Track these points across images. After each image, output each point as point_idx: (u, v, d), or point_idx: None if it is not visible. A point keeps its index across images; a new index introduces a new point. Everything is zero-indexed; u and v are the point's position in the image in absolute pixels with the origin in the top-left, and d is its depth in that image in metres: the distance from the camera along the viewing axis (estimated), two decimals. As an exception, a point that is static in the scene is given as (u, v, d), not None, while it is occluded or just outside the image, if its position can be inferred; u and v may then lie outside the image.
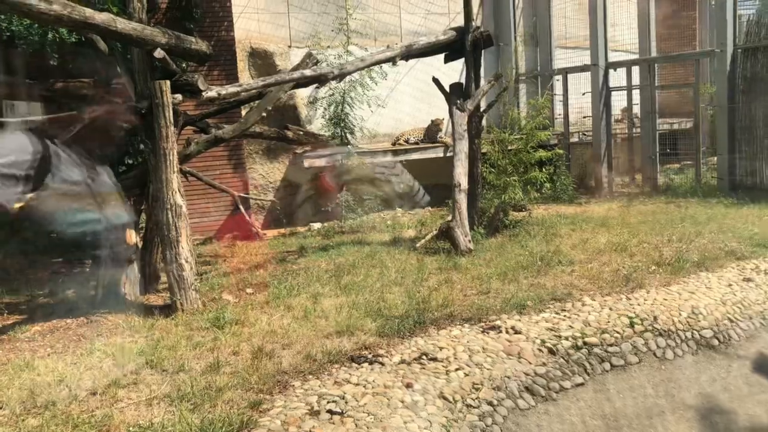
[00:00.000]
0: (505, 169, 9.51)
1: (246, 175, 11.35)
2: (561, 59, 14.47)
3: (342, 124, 10.97)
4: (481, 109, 9.38)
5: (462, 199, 8.38)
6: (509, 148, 9.73)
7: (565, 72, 13.87)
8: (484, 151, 9.79)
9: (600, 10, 12.97)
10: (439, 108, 13.29)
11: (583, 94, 13.61)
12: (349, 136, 11.11)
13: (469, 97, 9.00)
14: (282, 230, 11.17)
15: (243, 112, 10.80)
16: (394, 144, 12.45)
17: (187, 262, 6.47)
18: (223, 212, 10.92)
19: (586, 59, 13.40)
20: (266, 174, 11.91)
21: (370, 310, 6.18)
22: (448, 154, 11.86)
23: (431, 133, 12.48)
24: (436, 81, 9.21)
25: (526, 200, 9.53)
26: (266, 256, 9.04)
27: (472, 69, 9.06)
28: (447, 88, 9.22)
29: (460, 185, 8.41)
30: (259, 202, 11.52)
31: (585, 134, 13.94)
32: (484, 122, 9.77)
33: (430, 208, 12.51)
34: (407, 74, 13.33)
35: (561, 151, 10.38)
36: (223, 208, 10.89)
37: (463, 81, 9.35)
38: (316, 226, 11.16)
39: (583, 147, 14.04)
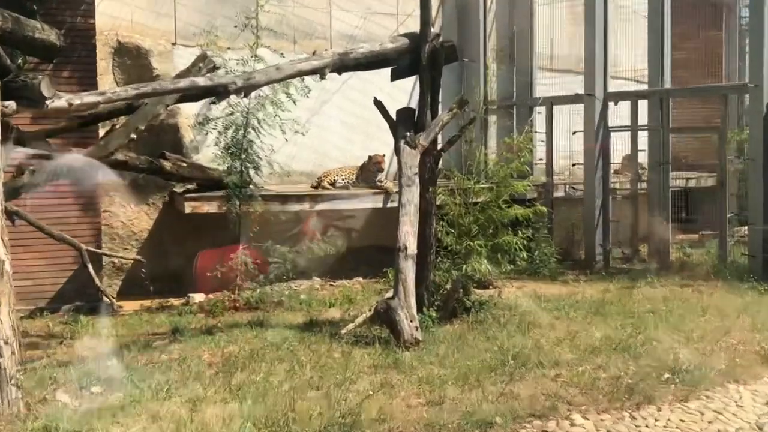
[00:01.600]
0: (467, 230, 9.59)
1: (99, 221, 11.14)
2: (545, 85, 14.98)
3: (243, 156, 10.90)
4: (439, 147, 9.48)
5: (408, 269, 8.37)
6: (474, 200, 9.83)
7: (550, 102, 14.33)
8: (440, 203, 9.85)
9: (599, 22, 13.54)
10: (379, 140, 13.33)
11: (574, 133, 14.09)
12: (251, 172, 11.05)
13: (422, 129, 9.09)
14: (148, 302, 10.89)
15: (102, 132, 10.65)
16: (315, 186, 12.49)
17: (6, 344, 6.20)
18: (64, 272, 10.69)
19: (579, 87, 13.90)
20: (129, 220, 11.69)
21: (274, 425, 6.02)
22: (391, 205, 12.03)
23: (368, 175, 12.58)
24: (378, 104, 9.29)
25: (495, 274, 9.57)
26: (123, 339, 8.78)
27: (429, 91, 9.18)
28: (393, 115, 9.29)
29: (406, 249, 8.40)
30: (116, 260, 11.25)
31: (574, 188, 14.35)
32: (441, 164, 9.84)
33: (361, 279, 12.53)
34: (338, 92, 13.49)
35: (543, 209, 10.57)
36: (63, 267, 10.64)
37: (415, 106, 9.43)
38: (198, 298, 10.94)
39: (571, 204, 14.45)
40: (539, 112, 14.59)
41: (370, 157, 12.61)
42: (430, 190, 9.17)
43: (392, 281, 8.81)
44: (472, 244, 9.45)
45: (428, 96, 9.18)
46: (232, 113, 10.88)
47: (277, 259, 11.18)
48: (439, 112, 9.43)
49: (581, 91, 13.73)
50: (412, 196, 8.71)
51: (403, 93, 13.60)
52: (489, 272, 9.56)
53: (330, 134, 13.50)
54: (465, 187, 9.86)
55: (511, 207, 9.71)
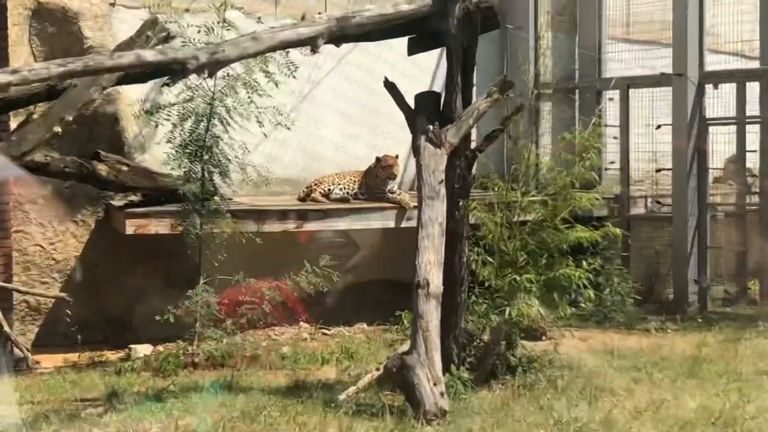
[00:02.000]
0: (512, 260, 9.55)
1: (9, 245, 11.10)
2: (619, 62, 14.96)
3: (206, 157, 10.88)
4: (473, 145, 9.39)
5: (431, 313, 8.29)
6: (521, 219, 9.79)
7: (626, 85, 14.33)
8: (474, 222, 9.83)
9: (692, -22, 13.53)
10: (391, 137, 13.33)
11: (658, 127, 14.06)
12: (217, 179, 11.04)
13: (451, 121, 9.05)
14: (74, 356, 10.86)
15: (14, 123, 10.62)
16: (303, 198, 12.49)
17: None
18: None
19: (665, 65, 13.88)
20: (50, 244, 11.70)
21: None
22: (407, 224, 12.03)
23: (375, 183, 12.59)
24: (390, 87, 9.25)
25: (549, 320, 9.49)
26: (39, 407, 8.69)
27: (459, 69, 9.15)
28: (410, 102, 9.24)
29: (428, 285, 8.33)
30: (32, 298, 11.20)
31: (659, 201, 14.29)
32: (476, 169, 9.77)
33: (365, 326, 12.51)
34: (335, 71, 13.48)
35: (616, 231, 10.50)
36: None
37: (441, 90, 9.40)
38: (143, 350, 10.88)
39: (655, 225, 14.42)
40: (610, 98, 14.56)
41: (378, 159, 12.61)
42: (461, 204, 9.11)
43: (408, 329, 8.75)
44: (518, 278, 9.32)
45: (459, 76, 9.13)
46: (191, 99, 10.85)
47: (251, 298, 11.10)
48: (474, 97, 9.37)
49: (668, 69, 13.67)
50: (436, 212, 8.64)
51: (424, 72, 13.60)
52: (542, 318, 9.48)
53: (324, 128, 13.52)
54: (509, 201, 9.76)
55: (572, 228, 9.60)
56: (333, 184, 12.58)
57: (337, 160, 13.37)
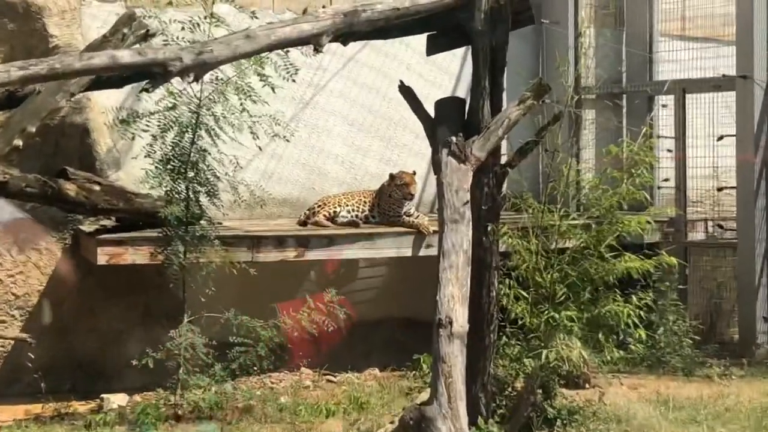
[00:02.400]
0: (549, 294, 9.55)
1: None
2: (673, 62, 14.94)
3: (191, 175, 10.87)
4: (504, 160, 9.41)
5: (455, 356, 8.22)
6: (560, 246, 9.78)
7: (682, 89, 14.27)
8: (505, 249, 9.84)
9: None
10: (408, 150, 13.34)
11: (720, 138, 13.99)
12: (204, 200, 11.02)
13: (477, 132, 9.07)
14: (38, 407, 10.85)
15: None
16: (305, 222, 12.50)
17: None
18: None
19: (728, 65, 13.89)
20: (9, 276, 11.70)
21: None
22: (426, 252, 12.00)
23: (389, 204, 12.57)
24: (406, 91, 9.29)
25: (594, 364, 9.49)
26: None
27: (487, 72, 9.18)
28: (430, 110, 9.27)
29: (451, 324, 8.26)
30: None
31: (721, 226, 14.27)
32: (506, 187, 9.75)
33: (377, 372, 12.49)
34: (341, 74, 13.51)
35: (672, 260, 10.46)
36: None
37: (465, 95, 9.44)
38: (116, 400, 10.88)
39: (718, 253, 14.32)
40: (664, 105, 14.54)
41: (392, 177, 12.59)
42: (489, 228, 9.13)
43: (428, 375, 8.70)
44: (556, 315, 9.31)
45: (487, 79, 9.16)
46: (173, 107, 10.84)
47: (243, 339, 11.08)
48: (505, 104, 9.39)
49: (731, 71, 13.66)
50: (461, 238, 8.61)
51: (447, 75, 13.65)
52: (584, 362, 9.43)
53: (329, 140, 13.56)
54: (545, 225, 9.74)
55: (620, 257, 9.59)
56: (339, 206, 12.57)
57: (345, 178, 13.43)
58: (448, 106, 9.34)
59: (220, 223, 11.40)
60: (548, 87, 9.56)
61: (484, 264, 9.10)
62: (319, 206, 12.58)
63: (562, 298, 9.52)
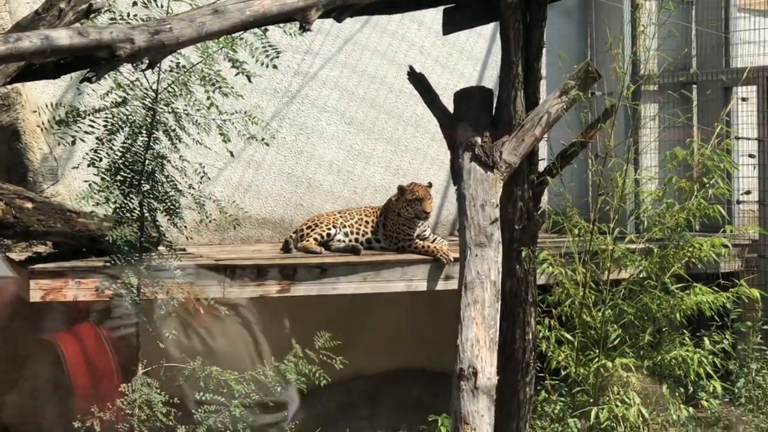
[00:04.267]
0: (601, 336, 9.47)
1: None
2: (755, 44, 14.90)
3: (146, 187, 10.84)
4: (541, 166, 9.37)
5: (482, 414, 8.10)
6: (614, 276, 9.68)
7: (766, 78, 14.22)
8: (544, 281, 9.78)
9: None
10: (422, 155, 13.30)
11: (812, 143, 13.97)
12: (162, 219, 10.99)
13: (509, 131, 9.01)
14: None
15: None
16: (286, 248, 12.47)
17: None
18: None
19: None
20: None
21: None
22: (445, 285, 11.99)
23: (398, 226, 12.55)
24: (416, 79, 9.29)
25: (659, 425, 9.41)
26: None
27: (520, 54, 9.10)
28: (448, 104, 9.24)
29: (475, 375, 8.16)
30: None
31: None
32: (545, 199, 9.67)
33: (383, 436, 12.46)
34: (334, 60, 13.49)
35: (755, 293, 10.39)
36: None
37: (493, 86, 9.31)
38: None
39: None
40: (743, 98, 14.50)
41: (402, 190, 12.54)
42: (524, 255, 9.04)
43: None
44: (609, 364, 9.24)
45: (519, 65, 9.08)
46: (123, 102, 10.82)
47: (211, 397, 11.03)
48: (543, 96, 9.32)
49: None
50: (488, 266, 8.50)
51: (469, 60, 13.63)
52: (645, 422, 9.30)
53: (321, 143, 13.58)
54: (595, 250, 9.67)
55: (691, 289, 9.50)
56: (335, 227, 12.55)
57: (341, 191, 13.47)
58: (471, 98, 9.23)
59: (183, 250, 11.38)
60: (598, 74, 9.47)
61: (518, 299, 9.02)
62: (309, 228, 12.55)
63: (616, 342, 9.48)
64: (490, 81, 13.20)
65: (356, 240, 12.54)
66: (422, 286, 12.23)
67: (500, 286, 8.58)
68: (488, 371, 8.24)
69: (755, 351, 12.71)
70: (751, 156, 14.15)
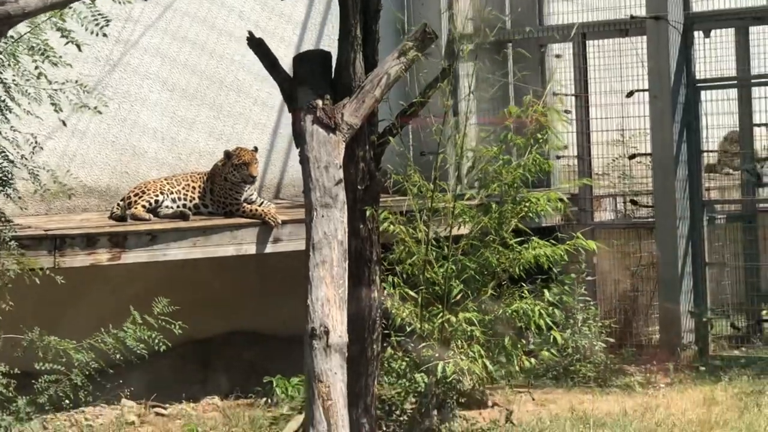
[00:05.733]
0: (443, 292, 9.59)
1: None
2: (567, 2, 15.00)
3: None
4: (380, 127, 9.46)
5: (335, 372, 8.17)
6: (455, 232, 9.82)
7: (581, 35, 14.44)
8: (387, 238, 9.85)
9: None
10: (244, 120, 13.31)
11: (629, 94, 14.25)
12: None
13: (349, 92, 9.07)
14: None
15: None
16: (118, 216, 12.32)
17: None
18: None
19: (634, 3, 14.02)
20: None
21: None
22: (275, 248, 12.03)
23: (224, 191, 12.56)
24: (256, 44, 9.30)
25: (498, 377, 9.57)
26: None
27: (358, 16, 9.16)
28: (287, 66, 9.30)
29: (327, 333, 8.23)
30: None
31: (633, 201, 14.52)
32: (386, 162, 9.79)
33: (219, 400, 12.40)
34: (155, 26, 13.44)
35: (591, 244, 10.51)
36: None
37: (330, 48, 9.41)
38: None
39: (629, 235, 14.57)
40: (557, 55, 14.78)
41: (227, 155, 12.53)
42: (368, 214, 9.13)
43: (284, 402, 8.64)
44: (453, 319, 9.35)
45: (357, 27, 9.17)
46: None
47: (51, 365, 10.94)
48: (380, 57, 9.42)
49: (640, 11, 13.86)
50: (335, 226, 8.58)
51: (289, 24, 13.74)
52: (488, 375, 9.49)
53: (144, 110, 13.49)
54: (435, 207, 9.77)
55: (528, 244, 9.68)
56: (162, 194, 12.46)
57: (166, 158, 13.39)
58: (310, 61, 9.30)
59: (10, 221, 11.21)
60: (435, 35, 9.57)
61: (363, 258, 9.09)
62: (136, 195, 12.43)
63: (458, 297, 9.59)
64: (310, 44, 13.27)
65: (184, 206, 12.43)
66: (252, 249, 12.20)
67: (346, 246, 8.66)
68: (339, 329, 8.31)
69: (579, 303, 12.98)
70: (566, 112, 14.19)
